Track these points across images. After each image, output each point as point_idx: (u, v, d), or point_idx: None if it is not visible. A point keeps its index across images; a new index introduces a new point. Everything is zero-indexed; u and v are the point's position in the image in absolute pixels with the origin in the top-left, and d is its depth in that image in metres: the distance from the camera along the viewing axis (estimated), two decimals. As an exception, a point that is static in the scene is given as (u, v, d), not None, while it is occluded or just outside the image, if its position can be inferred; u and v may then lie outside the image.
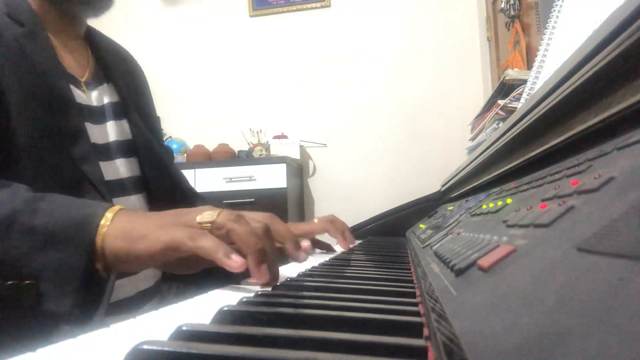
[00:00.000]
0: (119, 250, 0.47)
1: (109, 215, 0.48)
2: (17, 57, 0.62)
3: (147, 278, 0.76)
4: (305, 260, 0.55)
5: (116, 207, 0.50)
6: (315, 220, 0.92)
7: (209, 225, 0.46)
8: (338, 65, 2.63)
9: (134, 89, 0.85)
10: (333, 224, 0.91)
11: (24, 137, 0.59)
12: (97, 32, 0.84)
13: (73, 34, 0.76)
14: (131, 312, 0.71)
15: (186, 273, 0.54)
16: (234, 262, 0.41)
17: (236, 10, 2.75)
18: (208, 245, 0.42)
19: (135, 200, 0.76)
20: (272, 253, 0.46)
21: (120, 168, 0.75)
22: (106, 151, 0.73)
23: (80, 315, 0.46)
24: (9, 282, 0.44)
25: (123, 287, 0.70)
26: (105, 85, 0.78)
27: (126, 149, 0.77)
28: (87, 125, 0.69)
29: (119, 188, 0.74)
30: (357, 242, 1.06)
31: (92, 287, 0.47)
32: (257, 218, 0.49)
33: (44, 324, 0.48)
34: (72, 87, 0.70)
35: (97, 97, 0.75)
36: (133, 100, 0.82)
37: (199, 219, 0.46)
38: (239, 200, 2.16)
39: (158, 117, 0.97)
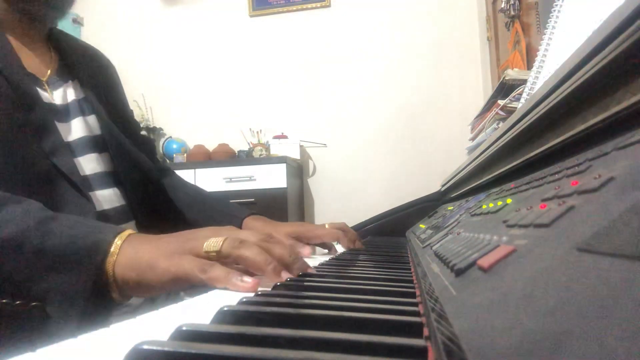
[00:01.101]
0: (129, 280, 0.47)
1: (118, 242, 0.49)
2: None
3: None
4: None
5: (125, 233, 0.50)
6: (327, 226, 0.91)
7: (215, 254, 0.46)
8: (338, 65, 2.63)
9: (102, 84, 0.85)
10: (345, 234, 0.90)
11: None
12: (61, 33, 0.83)
13: (33, 36, 0.76)
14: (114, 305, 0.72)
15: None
16: (248, 285, 0.42)
17: (236, 10, 2.75)
18: (218, 275, 0.43)
19: (112, 194, 0.76)
20: (285, 256, 0.48)
21: (92, 163, 0.75)
22: (76, 147, 0.73)
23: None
24: (17, 302, 0.45)
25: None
26: (70, 82, 0.78)
27: (97, 144, 0.77)
28: (56, 123, 0.69)
29: (94, 183, 0.74)
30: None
31: (98, 312, 0.48)
32: (256, 240, 0.49)
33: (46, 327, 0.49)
34: (35, 87, 0.70)
35: (61, 95, 0.75)
36: (102, 96, 0.82)
37: (205, 247, 0.47)
38: (239, 200, 2.16)
39: (131, 111, 0.96)
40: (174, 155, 2.55)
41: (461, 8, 2.50)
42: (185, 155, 2.55)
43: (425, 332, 0.24)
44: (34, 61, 0.74)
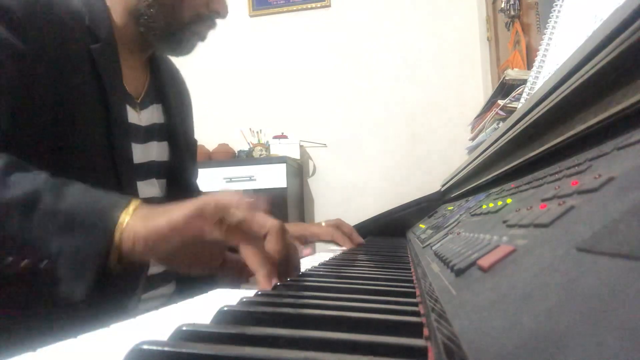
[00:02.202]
0: (138, 229, 0.47)
1: (131, 207, 0.49)
2: (86, 70, 0.63)
3: (163, 295, 0.76)
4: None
5: (138, 201, 0.50)
6: (323, 224, 0.91)
7: (226, 204, 0.47)
8: (338, 65, 2.63)
9: (181, 110, 0.87)
10: (340, 228, 0.90)
11: (79, 151, 0.60)
12: (159, 56, 0.84)
13: (139, 56, 0.77)
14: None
15: (196, 273, 0.54)
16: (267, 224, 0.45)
17: (236, 10, 2.75)
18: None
19: None
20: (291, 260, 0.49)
21: (150, 187, 0.76)
22: (143, 171, 0.74)
23: (90, 301, 0.46)
24: (25, 261, 0.45)
25: (142, 302, 0.70)
26: (154, 105, 0.78)
27: (160, 170, 0.78)
28: (132, 145, 0.70)
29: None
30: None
31: (107, 276, 0.47)
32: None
33: (55, 308, 0.49)
34: (127, 106, 0.70)
35: (147, 117, 0.76)
36: (179, 122, 0.83)
37: (219, 196, 0.48)
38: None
39: (195, 141, 0.99)
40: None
41: (461, 8, 2.50)
42: (185, 155, 2.55)
43: (425, 332, 0.24)
44: (133, 80, 0.74)
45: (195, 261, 0.53)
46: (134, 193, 0.67)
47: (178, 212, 0.46)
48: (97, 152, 0.63)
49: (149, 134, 0.76)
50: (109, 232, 0.47)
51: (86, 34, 0.64)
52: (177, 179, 0.81)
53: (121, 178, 0.65)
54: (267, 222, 0.49)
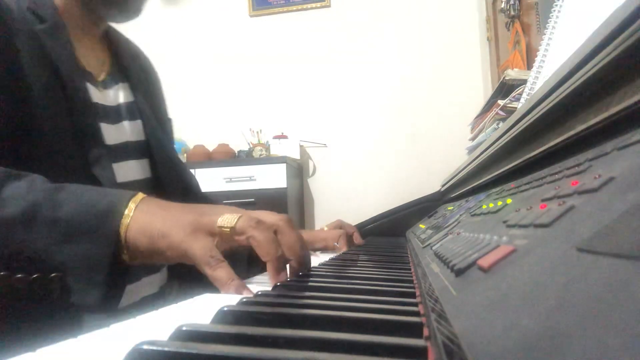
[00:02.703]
0: (140, 245, 0.47)
1: (132, 205, 0.48)
2: (37, 53, 0.61)
3: (152, 284, 0.75)
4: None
5: (138, 196, 0.49)
6: (325, 228, 0.92)
7: (229, 230, 0.46)
8: (338, 65, 2.63)
9: (148, 89, 0.84)
10: (344, 232, 0.90)
11: (41, 135, 0.59)
12: (116, 31, 0.82)
13: (93, 33, 0.75)
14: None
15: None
16: (247, 291, 0.42)
17: (236, 10, 2.75)
18: (221, 278, 0.43)
19: None
20: (296, 249, 0.48)
21: (131, 170, 0.74)
22: (119, 152, 0.72)
23: (105, 305, 0.46)
24: (34, 276, 0.44)
25: (128, 293, 0.69)
26: (120, 84, 0.77)
27: (139, 150, 0.76)
28: (102, 125, 0.69)
29: (129, 189, 0.73)
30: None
31: (117, 278, 0.47)
32: (273, 221, 0.48)
33: (67, 317, 0.48)
34: (88, 85, 0.69)
35: (113, 96, 0.74)
36: (148, 101, 0.81)
37: (219, 222, 0.46)
38: (239, 201, 2.16)
39: (170, 119, 0.96)
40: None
41: (461, 8, 2.50)
42: (185, 155, 2.55)
43: (425, 332, 0.24)
44: (91, 59, 0.73)
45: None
46: (108, 175, 0.65)
47: (177, 242, 0.45)
48: (61, 133, 0.61)
49: (118, 113, 0.74)
50: (113, 236, 0.46)
51: (29, 17, 0.63)
52: (161, 157, 0.79)
53: (90, 159, 0.63)
54: (272, 220, 0.48)
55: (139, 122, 0.78)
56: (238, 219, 0.46)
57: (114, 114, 0.73)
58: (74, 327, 0.50)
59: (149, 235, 0.46)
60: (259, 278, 0.59)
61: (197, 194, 0.91)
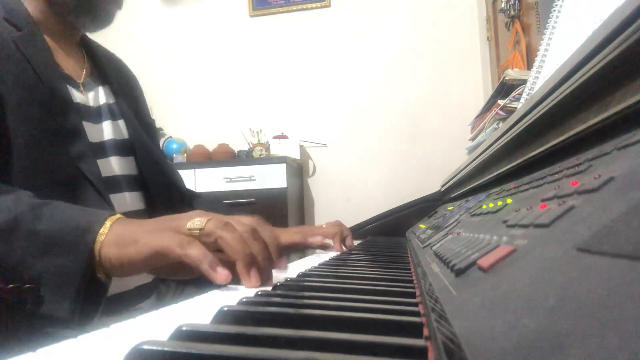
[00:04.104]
0: (112, 256, 0.48)
1: (108, 223, 0.50)
2: (16, 60, 0.64)
3: (142, 275, 0.76)
4: (286, 269, 0.54)
5: (115, 216, 0.51)
6: (324, 225, 0.93)
7: (198, 232, 0.46)
8: (338, 65, 2.63)
9: (129, 93, 0.87)
10: (340, 231, 0.91)
11: (23, 136, 0.61)
12: (91, 40, 0.86)
13: (69, 40, 0.78)
14: (129, 307, 0.72)
15: (180, 278, 0.55)
16: (219, 275, 0.42)
17: (236, 10, 2.75)
18: (195, 254, 0.43)
19: (131, 198, 0.78)
20: (262, 255, 0.46)
21: (115, 166, 0.77)
22: (102, 149, 0.75)
23: (78, 320, 0.47)
24: (10, 286, 0.46)
25: (121, 281, 0.71)
26: (101, 87, 0.80)
27: (123, 148, 0.79)
28: (84, 124, 0.71)
29: (115, 185, 0.75)
30: (356, 242, 1.06)
31: (90, 293, 0.48)
32: (243, 222, 0.48)
33: (42, 329, 0.49)
34: (69, 87, 0.71)
35: (94, 97, 0.77)
36: (128, 103, 0.84)
37: (188, 225, 0.47)
38: (239, 200, 2.16)
39: (153, 120, 0.99)
40: (174, 155, 2.55)
41: (461, 8, 2.50)
42: (185, 155, 2.55)
43: (425, 332, 0.24)
44: (69, 63, 0.76)
45: (176, 272, 0.54)
46: (93, 170, 0.67)
47: (146, 242, 0.46)
48: (44, 133, 0.63)
49: (100, 113, 0.77)
50: (87, 252, 0.47)
51: (5, 26, 0.66)
52: (145, 155, 0.81)
53: (74, 155, 0.65)
54: (244, 222, 0.48)
55: (121, 122, 0.80)
56: (207, 222, 0.46)
57: (96, 114, 0.76)
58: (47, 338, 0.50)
59: (119, 245, 0.48)
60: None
61: (181, 189, 0.93)
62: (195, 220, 0.47)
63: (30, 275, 0.47)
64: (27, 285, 0.46)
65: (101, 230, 0.49)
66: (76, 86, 0.74)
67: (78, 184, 0.65)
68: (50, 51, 0.70)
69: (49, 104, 0.65)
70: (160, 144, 2.69)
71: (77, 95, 0.73)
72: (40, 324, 0.50)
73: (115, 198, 0.72)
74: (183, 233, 0.46)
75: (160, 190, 0.83)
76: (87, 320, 0.50)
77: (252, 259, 0.45)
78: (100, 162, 0.71)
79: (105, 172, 0.72)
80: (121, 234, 0.49)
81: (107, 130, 0.77)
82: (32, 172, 0.60)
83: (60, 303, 0.46)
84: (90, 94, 0.77)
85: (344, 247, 0.88)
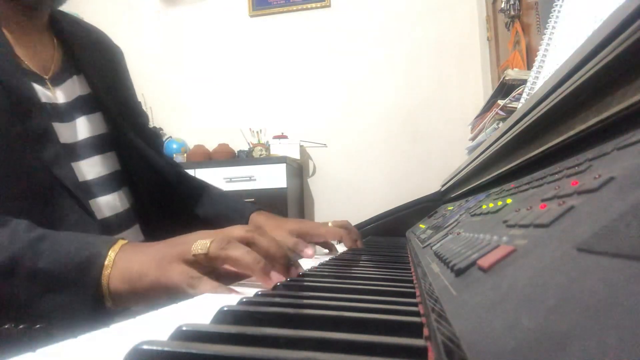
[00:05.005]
0: (122, 292, 0.47)
1: (111, 254, 0.48)
2: None
3: None
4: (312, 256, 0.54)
5: (118, 244, 0.50)
6: (330, 224, 0.89)
7: (203, 257, 0.45)
8: (338, 65, 2.63)
9: (108, 75, 0.79)
10: (348, 232, 0.87)
11: None
12: (64, 17, 0.76)
13: (34, 27, 0.69)
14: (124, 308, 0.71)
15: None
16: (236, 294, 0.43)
17: (236, 10, 2.75)
18: (206, 290, 0.43)
19: (115, 198, 0.73)
20: (273, 249, 0.47)
21: (95, 166, 0.71)
22: (79, 150, 0.69)
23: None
24: (21, 326, 0.45)
25: None
26: (75, 77, 0.72)
27: (101, 144, 0.73)
28: (55, 125, 0.65)
29: (96, 188, 0.70)
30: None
31: (99, 321, 0.47)
32: (242, 235, 0.48)
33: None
34: (35, 85, 0.65)
35: (65, 92, 0.70)
36: (108, 88, 0.77)
37: (193, 250, 0.46)
38: (239, 200, 2.15)
39: (139, 102, 0.91)
40: (174, 155, 2.55)
41: (461, 8, 2.50)
42: (185, 155, 2.55)
43: (425, 332, 0.24)
44: (35, 57, 0.68)
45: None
46: (69, 175, 0.63)
47: (156, 278, 0.46)
48: (10, 137, 0.58)
49: (72, 110, 0.70)
50: (94, 287, 0.47)
51: None
52: (127, 149, 0.76)
53: (47, 160, 0.60)
54: (240, 234, 0.48)
55: (98, 114, 0.74)
56: (210, 244, 0.45)
57: (67, 112, 0.69)
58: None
59: (127, 280, 0.47)
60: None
61: (171, 183, 0.87)
62: (198, 244, 0.46)
63: (38, 314, 0.46)
64: (38, 325, 0.46)
65: (106, 263, 0.48)
66: (42, 83, 0.67)
67: (54, 191, 0.60)
68: (8, 47, 0.63)
69: (11, 106, 0.59)
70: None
71: (44, 94, 0.66)
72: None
73: (97, 203, 0.69)
74: (189, 260, 0.46)
75: (146, 183, 0.78)
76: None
77: (268, 268, 0.45)
78: (76, 164, 0.67)
79: (83, 175, 0.68)
80: (128, 267, 0.47)
81: (82, 128, 0.71)
82: (3, 182, 0.56)
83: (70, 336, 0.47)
84: (60, 89, 0.69)
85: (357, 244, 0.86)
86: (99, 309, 0.48)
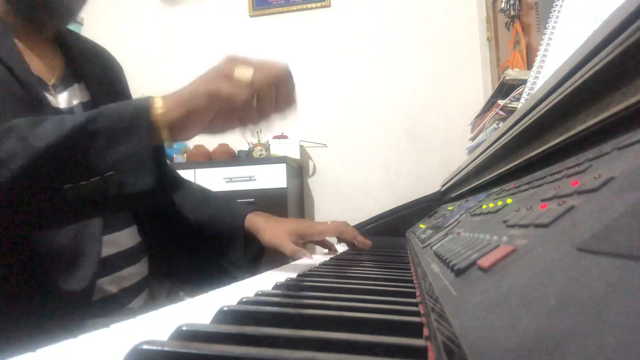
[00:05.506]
0: (177, 117, 0.54)
1: (158, 99, 0.55)
2: None
3: (130, 276, 0.76)
4: (311, 257, 0.57)
5: (157, 96, 0.56)
6: (329, 223, 0.90)
7: (245, 81, 0.53)
8: (338, 66, 2.63)
9: (108, 87, 0.85)
10: (345, 230, 0.89)
11: None
12: (69, 33, 0.83)
13: (40, 38, 0.76)
14: (115, 310, 0.71)
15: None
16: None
17: (236, 10, 2.75)
18: (244, 100, 0.53)
19: None
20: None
21: None
22: None
23: (158, 190, 0.53)
24: (93, 179, 0.51)
25: (107, 284, 0.71)
26: (75, 85, 0.78)
27: None
28: None
29: None
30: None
31: (158, 161, 0.54)
32: (277, 71, 0.55)
33: (67, 317, 0.53)
34: (41, 90, 0.70)
35: (66, 99, 0.75)
36: (107, 97, 0.81)
37: (236, 74, 0.53)
38: (239, 200, 2.15)
39: None
40: (174, 155, 2.55)
41: (461, 8, 2.50)
42: (185, 155, 2.55)
43: (425, 332, 0.24)
44: (40, 64, 0.74)
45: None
46: None
47: (206, 89, 0.54)
48: None
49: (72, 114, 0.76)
50: (149, 129, 0.53)
51: None
52: None
53: None
54: (277, 70, 0.55)
55: None
56: (254, 73, 0.53)
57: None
58: (74, 327, 0.51)
59: (183, 104, 0.54)
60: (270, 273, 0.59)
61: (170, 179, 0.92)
62: (243, 71, 0.53)
63: (106, 167, 0.51)
64: (107, 174, 0.51)
65: (155, 105, 0.54)
66: (46, 89, 0.72)
67: None
68: (19, 53, 0.69)
69: (26, 103, 0.65)
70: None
71: (49, 99, 0.72)
72: (39, 321, 0.52)
73: None
74: (232, 77, 0.53)
75: None
76: (164, 192, 0.56)
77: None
78: None
79: None
80: (178, 95, 0.54)
81: None
82: None
83: (141, 180, 0.52)
84: (62, 96, 0.75)
85: (366, 242, 0.87)
86: (159, 145, 0.54)
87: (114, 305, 0.71)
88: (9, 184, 0.49)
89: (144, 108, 0.54)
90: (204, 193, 0.98)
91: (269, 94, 0.54)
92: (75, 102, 0.76)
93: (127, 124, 0.53)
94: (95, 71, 0.82)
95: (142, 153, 0.52)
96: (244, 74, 0.53)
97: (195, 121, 0.55)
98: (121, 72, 0.93)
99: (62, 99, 0.74)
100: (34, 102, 0.66)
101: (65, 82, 0.76)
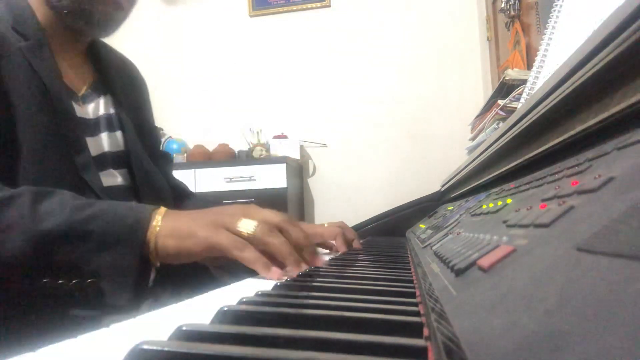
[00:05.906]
0: (170, 247, 0.53)
1: (158, 217, 0.54)
2: (24, 69, 0.65)
3: None
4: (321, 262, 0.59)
5: (162, 209, 0.55)
6: (326, 224, 0.91)
7: (246, 235, 0.51)
8: (338, 65, 2.63)
9: (133, 100, 0.87)
10: (344, 231, 0.90)
11: (30, 144, 0.62)
12: (101, 44, 0.85)
13: (75, 48, 0.78)
14: (126, 313, 0.72)
15: (219, 264, 0.62)
16: (273, 274, 0.48)
17: (236, 10, 2.75)
18: (251, 257, 0.49)
19: None
20: (302, 240, 0.54)
21: (110, 177, 0.78)
22: (100, 161, 0.76)
23: (133, 304, 0.52)
24: (73, 281, 0.50)
25: None
26: (102, 97, 0.80)
27: (118, 160, 0.80)
28: (86, 138, 0.72)
29: (113, 196, 0.76)
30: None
31: (143, 280, 0.53)
32: (278, 222, 0.54)
33: (65, 319, 0.54)
34: (71, 101, 0.72)
35: (93, 109, 0.77)
36: (131, 112, 0.84)
37: (239, 226, 0.52)
38: (239, 200, 2.15)
39: (156, 127, 1.00)
40: (174, 155, 2.55)
41: (461, 8, 2.50)
42: (185, 155, 2.55)
43: (425, 332, 0.24)
44: (72, 74, 0.75)
45: (219, 259, 0.57)
46: (96, 181, 0.70)
47: (204, 237, 0.52)
48: (49, 146, 0.65)
49: (96, 126, 0.78)
50: (140, 246, 0.52)
51: (13, 35, 0.66)
52: (138, 169, 0.82)
53: (79, 166, 0.68)
54: (277, 221, 0.54)
55: (118, 133, 0.81)
56: (256, 227, 0.52)
57: (93, 127, 0.77)
58: (72, 328, 0.51)
59: (177, 238, 0.53)
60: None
61: (166, 199, 0.93)
62: (245, 222, 0.52)
63: (90, 271, 0.51)
64: (89, 280, 0.50)
65: (154, 224, 0.53)
66: (75, 99, 0.74)
67: (83, 193, 0.66)
68: (54, 62, 0.70)
69: (55, 116, 0.66)
70: (161, 145, 2.70)
71: (77, 109, 0.73)
72: (66, 307, 0.54)
73: None
74: (234, 232, 0.51)
75: (150, 199, 0.83)
76: (138, 304, 0.54)
77: (298, 258, 0.52)
78: (100, 174, 0.73)
79: (104, 183, 0.74)
80: (177, 226, 0.53)
81: (103, 143, 0.78)
82: (38, 180, 0.61)
83: (120, 293, 0.51)
84: (90, 106, 0.77)
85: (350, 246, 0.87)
86: (146, 265, 0.53)
87: (125, 309, 0.73)
88: None
89: (143, 224, 0.53)
90: (207, 202, 1.00)
91: (273, 248, 0.51)
92: (101, 112, 0.79)
93: (122, 235, 0.52)
94: (122, 86, 0.85)
95: (129, 268, 0.52)
96: (247, 227, 0.52)
97: (186, 258, 0.54)
98: (145, 87, 0.96)
99: (90, 110, 0.77)
100: (63, 116, 0.67)
101: (93, 93, 0.78)
